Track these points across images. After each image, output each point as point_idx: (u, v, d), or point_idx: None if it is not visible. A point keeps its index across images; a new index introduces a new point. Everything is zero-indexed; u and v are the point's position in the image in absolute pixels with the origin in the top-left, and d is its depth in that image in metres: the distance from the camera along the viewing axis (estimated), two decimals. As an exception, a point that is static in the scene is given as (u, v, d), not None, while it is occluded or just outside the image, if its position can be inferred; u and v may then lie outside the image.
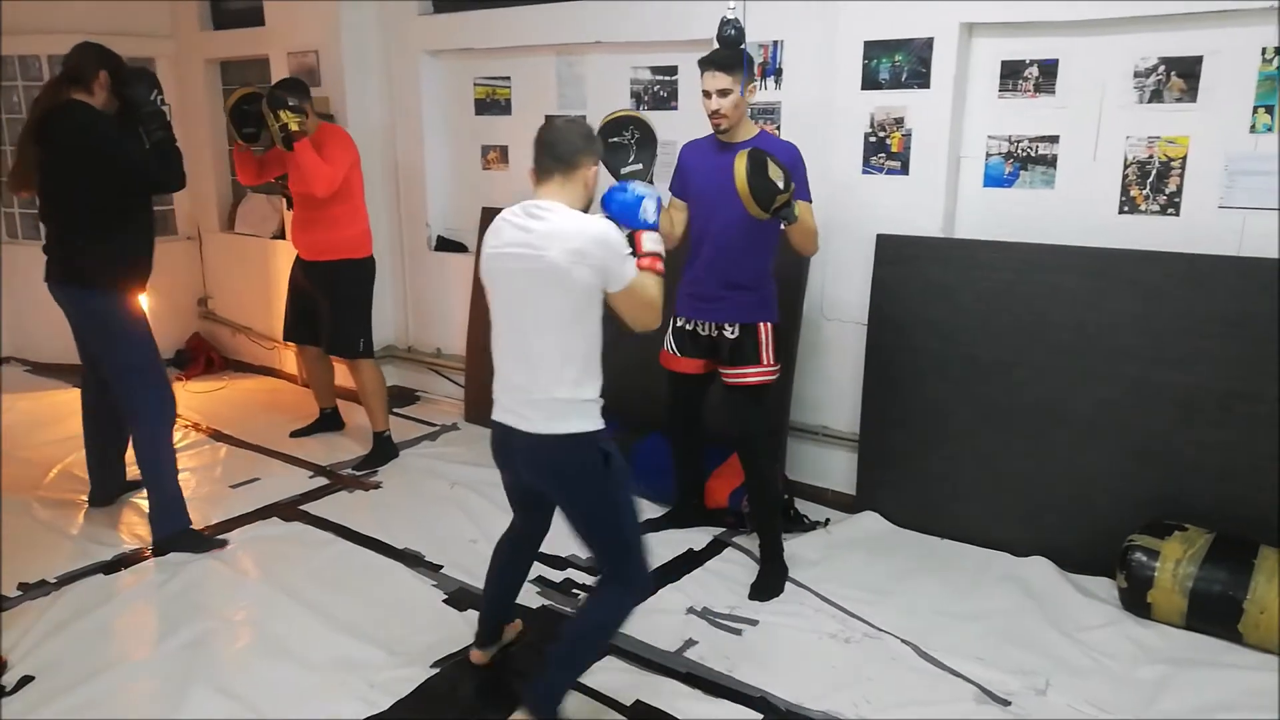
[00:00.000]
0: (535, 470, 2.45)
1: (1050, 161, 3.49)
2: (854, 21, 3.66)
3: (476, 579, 3.18)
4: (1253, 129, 3.10)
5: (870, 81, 3.67)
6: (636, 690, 2.71)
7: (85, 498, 3.98)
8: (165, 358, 5.86)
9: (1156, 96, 3.26)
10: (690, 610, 3.16)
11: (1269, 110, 3.06)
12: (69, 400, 5.01)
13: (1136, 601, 3.02)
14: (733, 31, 3.25)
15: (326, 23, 5.06)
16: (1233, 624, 2.85)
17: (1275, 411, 3.02)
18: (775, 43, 3.88)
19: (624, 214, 2.44)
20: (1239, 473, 3.09)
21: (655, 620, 3.08)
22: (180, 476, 3.76)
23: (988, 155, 3.62)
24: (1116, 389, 3.28)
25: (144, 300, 3.61)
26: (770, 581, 3.29)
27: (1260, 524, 3.02)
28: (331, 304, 4.41)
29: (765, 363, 3.23)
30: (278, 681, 2.77)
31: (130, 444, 3.70)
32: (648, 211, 2.43)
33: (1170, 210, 3.30)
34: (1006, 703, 2.66)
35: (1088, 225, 3.43)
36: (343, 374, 4.72)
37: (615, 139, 3.18)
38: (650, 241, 2.42)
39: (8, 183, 3.45)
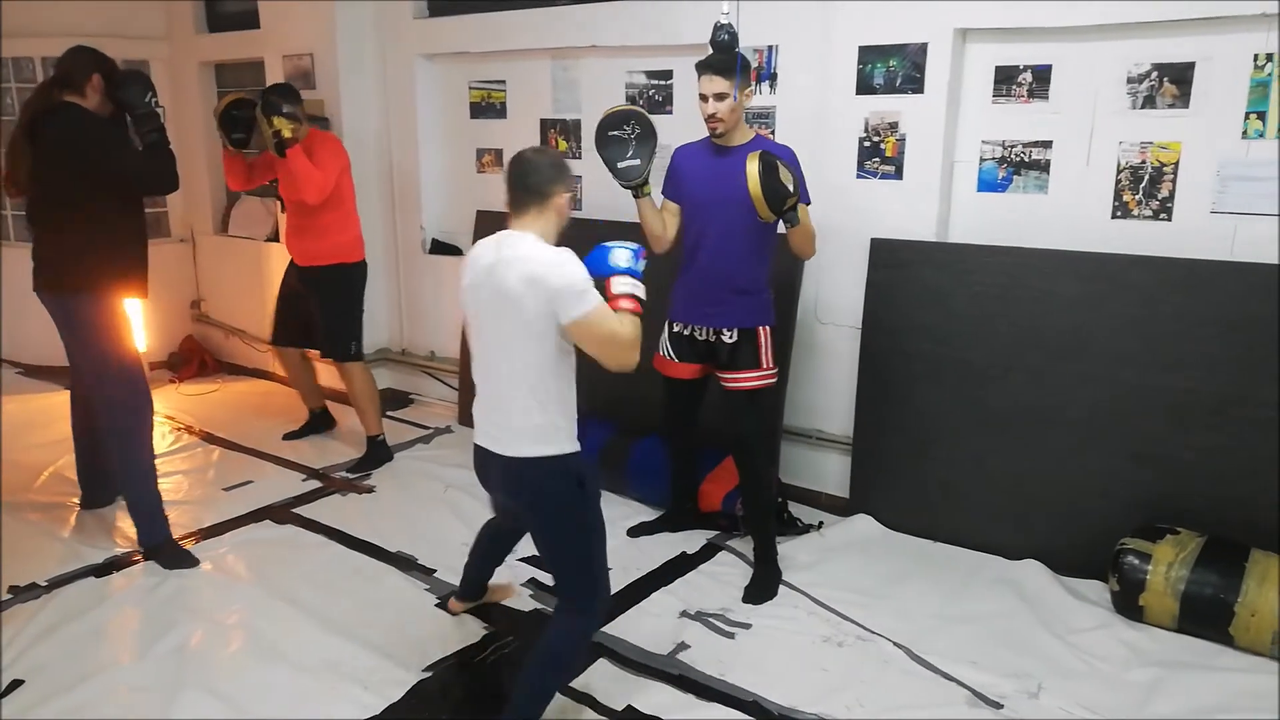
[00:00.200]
0: (510, 493, 2.49)
1: (1044, 167, 3.50)
2: (848, 26, 3.67)
3: (469, 582, 3.20)
4: (1244, 135, 3.12)
5: (864, 86, 3.68)
6: (629, 694, 2.71)
7: (76, 500, 3.97)
8: (158, 360, 5.93)
9: (1149, 102, 3.28)
10: (683, 613, 3.16)
11: (1260, 116, 3.08)
12: (60, 403, 4.99)
13: (1128, 604, 3.03)
14: (726, 36, 3.25)
15: (321, 26, 5.06)
16: (1224, 627, 2.86)
17: (1267, 415, 3.03)
18: (770, 47, 3.89)
19: (593, 266, 2.37)
20: (1231, 476, 3.10)
21: (648, 623, 3.09)
22: (173, 479, 3.74)
23: (981, 160, 3.63)
24: (1109, 393, 3.29)
25: (139, 305, 3.57)
26: (764, 584, 3.29)
27: (1251, 527, 3.03)
28: (323, 308, 4.41)
29: (764, 366, 3.24)
30: (270, 684, 2.77)
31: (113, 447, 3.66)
32: (617, 259, 2.37)
33: (1163, 215, 3.31)
34: (999, 706, 2.66)
35: (1081, 230, 3.44)
36: (334, 376, 4.71)
37: (615, 132, 3.17)
38: (618, 284, 2.36)
39: (5, 184, 3.41)
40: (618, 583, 3.34)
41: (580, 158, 4.63)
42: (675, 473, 3.74)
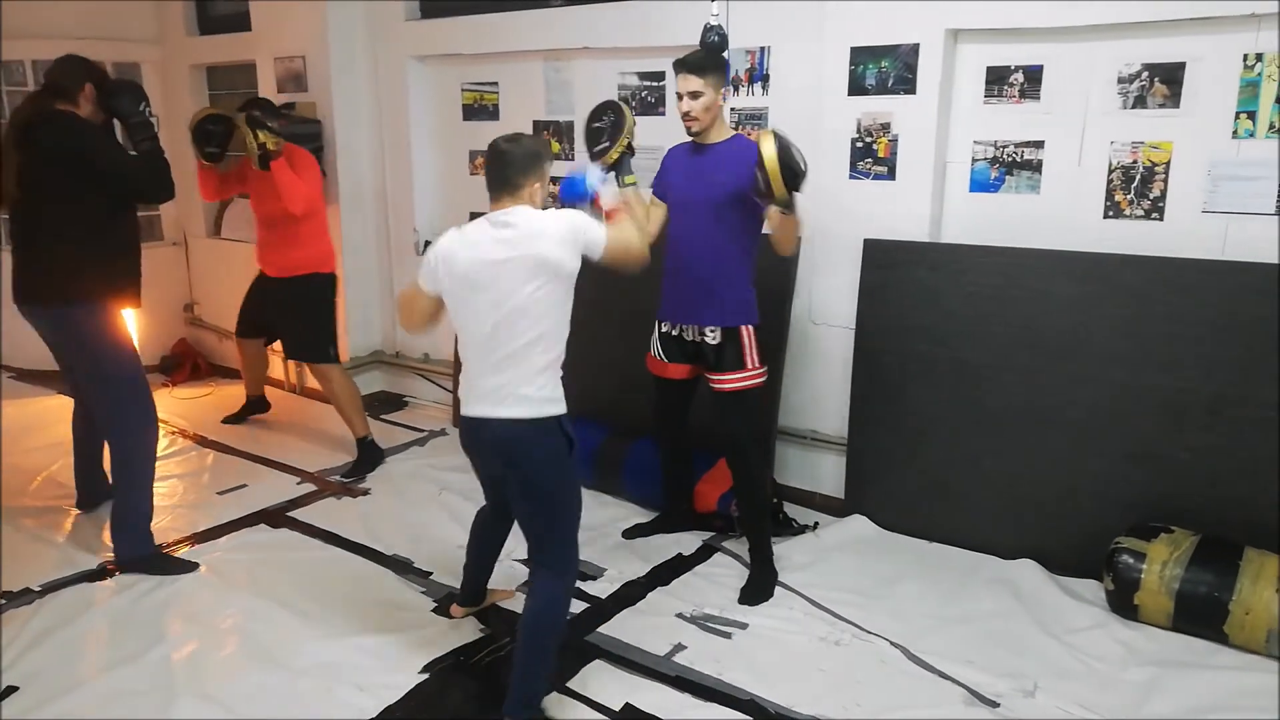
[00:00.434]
0: (505, 457, 2.53)
1: (1035, 167, 3.52)
2: (840, 27, 3.67)
3: (465, 585, 3.19)
4: (1235, 134, 3.13)
5: (857, 87, 3.69)
6: (626, 694, 2.71)
7: (71, 504, 3.95)
8: (151, 364, 5.91)
9: (1140, 102, 3.29)
10: (680, 614, 3.15)
11: (1251, 116, 3.09)
12: (54, 407, 5.01)
13: (1123, 603, 3.04)
14: (716, 38, 3.27)
15: (313, 28, 5.06)
16: (1219, 625, 2.87)
17: (1261, 415, 3.04)
18: (762, 48, 3.90)
19: (575, 198, 2.66)
20: (1225, 476, 3.11)
21: (645, 624, 3.09)
22: (167, 483, 3.73)
23: (973, 161, 3.64)
24: (1103, 393, 3.30)
25: (130, 312, 3.55)
26: (760, 585, 3.29)
27: (1246, 526, 3.04)
28: (300, 314, 4.48)
29: (750, 366, 3.23)
30: (265, 689, 2.76)
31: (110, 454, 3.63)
32: (591, 177, 2.68)
33: (1154, 215, 3.32)
34: (995, 705, 2.67)
35: (1073, 230, 3.45)
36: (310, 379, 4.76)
37: (597, 124, 3.25)
38: (606, 199, 2.67)
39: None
40: (615, 584, 3.35)
41: (573, 159, 4.63)
42: (668, 474, 3.74)
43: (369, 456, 4.53)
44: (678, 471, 3.73)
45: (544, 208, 2.56)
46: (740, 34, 3.80)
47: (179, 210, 6.19)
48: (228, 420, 5.12)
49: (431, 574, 3.44)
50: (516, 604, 3.21)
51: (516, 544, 3.15)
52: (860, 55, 3.66)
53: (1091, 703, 2.66)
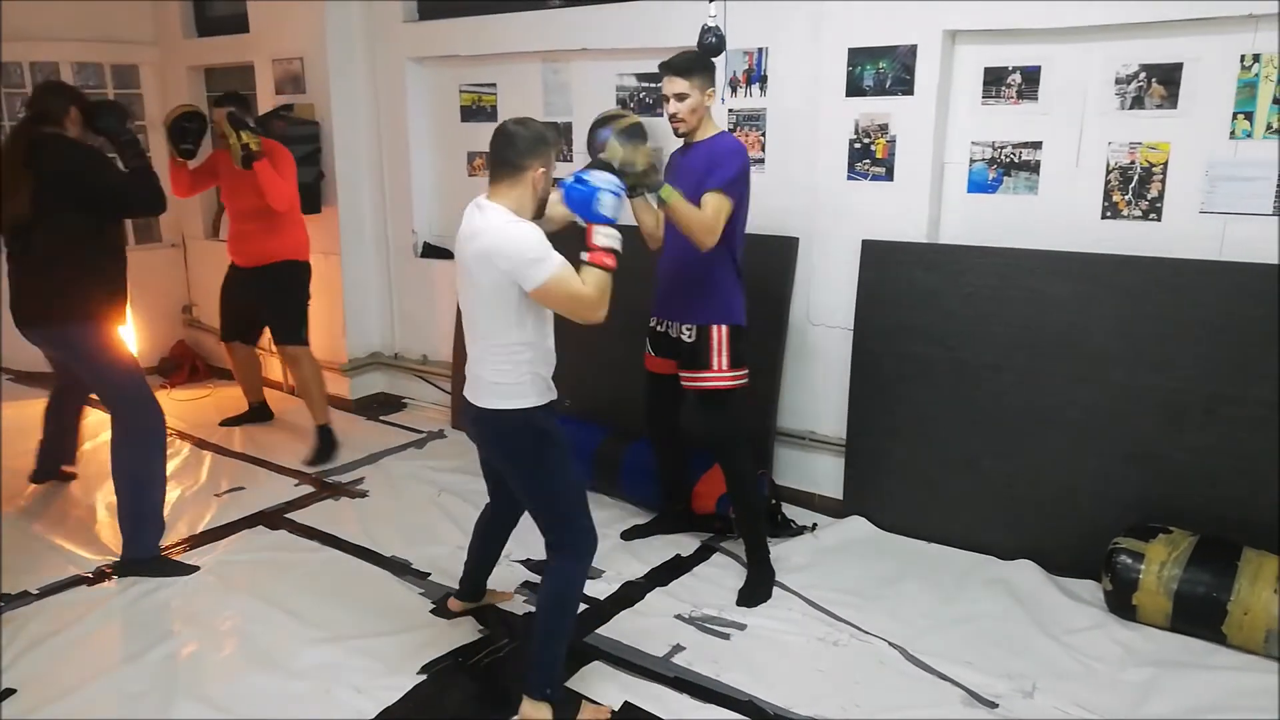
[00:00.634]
0: (481, 441, 2.66)
1: (1033, 167, 3.52)
2: (838, 28, 3.67)
3: (464, 586, 3.19)
4: (1232, 135, 3.13)
5: (854, 88, 3.69)
6: (624, 695, 2.71)
7: (72, 504, 3.96)
8: (150, 366, 5.91)
9: (1138, 103, 3.29)
10: (678, 615, 3.15)
11: (1248, 116, 3.10)
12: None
13: (1122, 604, 3.04)
14: (714, 39, 3.26)
15: (312, 29, 5.05)
16: (1217, 625, 2.87)
17: (1258, 415, 3.04)
18: (760, 49, 3.90)
19: (578, 207, 2.46)
20: (1223, 476, 3.12)
21: (643, 625, 3.09)
22: (165, 485, 3.71)
23: (971, 161, 3.64)
24: (1101, 393, 3.30)
25: (128, 315, 3.62)
26: (757, 586, 3.28)
27: (1243, 526, 3.04)
28: (275, 300, 4.60)
29: (716, 368, 3.22)
30: (264, 690, 2.76)
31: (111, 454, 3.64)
32: (604, 205, 2.42)
33: (1152, 215, 3.33)
34: (994, 705, 2.67)
35: (1071, 231, 3.45)
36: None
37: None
38: (600, 236, 2.43)
39: (5, 217, 3.39)
40: (613, 585, 3.35)
41: (571, 160, 4.63)
42: (663, 473, 3.74)
43: (327, 443, 4.64)
44: (674, 472, 3.73)
45: (547, 196, 2.56)
46: (738, 35, 3.81)
47: (177, 212, 6.18)
48: (226, 423, 5.13)
49: (430, 575, 3.44)
50: (515, 606, 3.22)
51: (514, 546, 3.15)
52: (858, 56, 3.66)
53: (1090, 703, 2.66)
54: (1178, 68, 3.20)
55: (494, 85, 4.94)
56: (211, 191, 6.04)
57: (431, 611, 3.19)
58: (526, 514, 2.76)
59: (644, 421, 3.61)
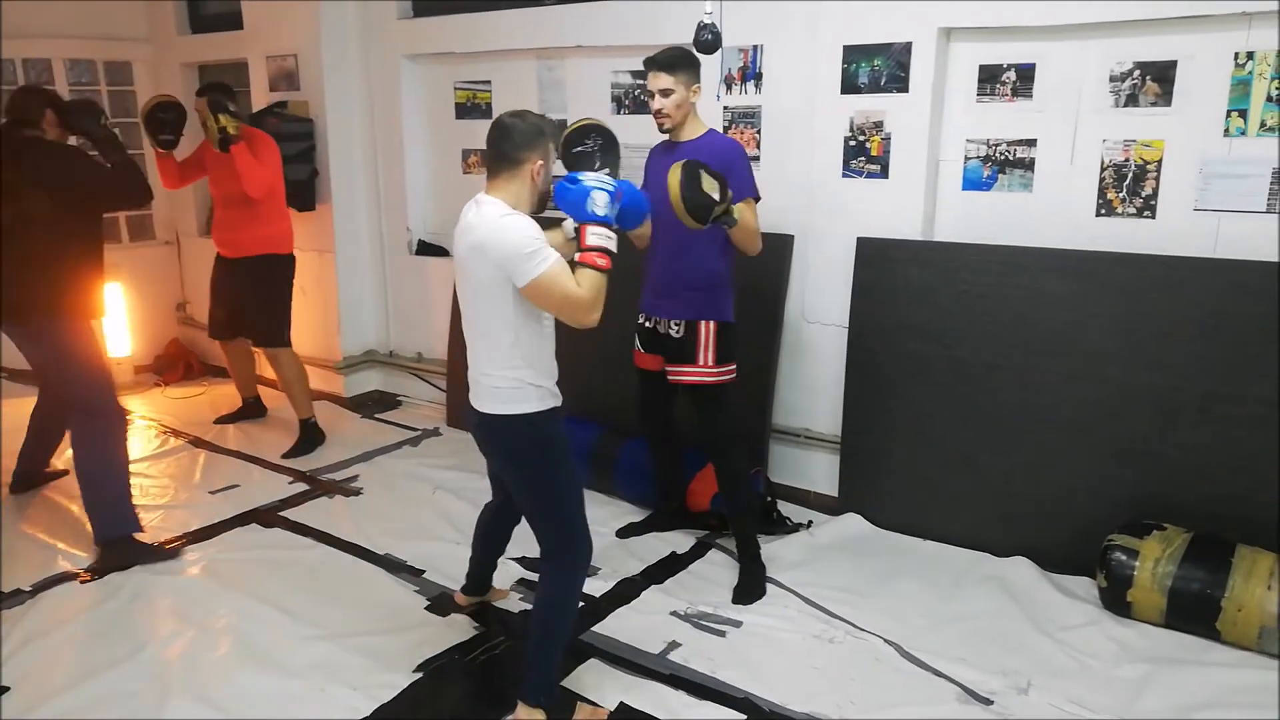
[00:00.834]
0: (484, 446, 2.61)
1: (1028, 165, 3.52)
2: (833, 26, 3.68)
3: (459, 584, 3.19)
4: (1226, 132, 3.14)
5: (850, 86, 3.69)
6: (620, 693, 2.71)
7: (68, 501, 3.95)
8: (144, 363, 5.90)
9: (1132, 100, 3.30)
10: (674, 613, 3.15)
11: (1242, 114, 3.10)
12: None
13: (1116, 600, 3.04)
14: (709, 36, 3.26)
15: (306, 26, 5.04)
16: (1211, 622, 2.88)
17: (1252, 412, 3.05)
18: (755, 47, 3.90)
19: (569, 207, 2.41)
20: (1217, 473, 3.12)
21: (639, 623, 3.09)
22: (159, 483, 3.73)
23: (966, 159, 3.64)
24: (1096, 390, 3.31)
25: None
26: (750, 584, 3.29)
27: (1238, 523, 3.05)
28: (255, 298, 4.60)
29: (702, 363, 3.23)
30: (259, 688, 2.75)
31: (72, 444, 3.70)
32: (596, 204, 2.37)
33: (1146, 213, 3.33)
34: (989, 702, 2.67)
35: (1065, 228, 3.46)
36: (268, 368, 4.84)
37: (579, 148, 3.24)
38: (593, 236, 2.37)
39: None
40: (609, 583, 3.35)
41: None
42: (658, 471, 3.74)
43: (310, 437, 4.68)
44: (669, 469, 3.73)
45: (547, 190, 2.52)
46: (733, 32, 3.80)
47: (171, 210, 6.17)
48: (220, 420, 5.12)
49: (425, 573, 3.44)
50: (511, 604, 3.22)
51: (510, 547, 3.14)
52: (853, 53, 3.66)
53: (1085, 700, 2.67)
54: (1172, 65, 3.20)
55: (489, 82, 4.93)
56: (204, 188, 6.03)
57: (427, 609, 3.19)
58: None
59: (637, 419, 3.61)
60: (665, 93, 3.11)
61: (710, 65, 3.68)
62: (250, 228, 4.49)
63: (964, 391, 3.55)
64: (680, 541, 3.67)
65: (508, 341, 2.42)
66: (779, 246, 3.90)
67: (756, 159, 3.94)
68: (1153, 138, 3.28)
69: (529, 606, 3.18)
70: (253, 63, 5.35)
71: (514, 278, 2.32)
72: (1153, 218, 3.32)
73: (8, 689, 2.74)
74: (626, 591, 3.30)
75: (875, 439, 3.76)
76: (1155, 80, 3.24)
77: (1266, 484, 3.03)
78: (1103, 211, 3.42)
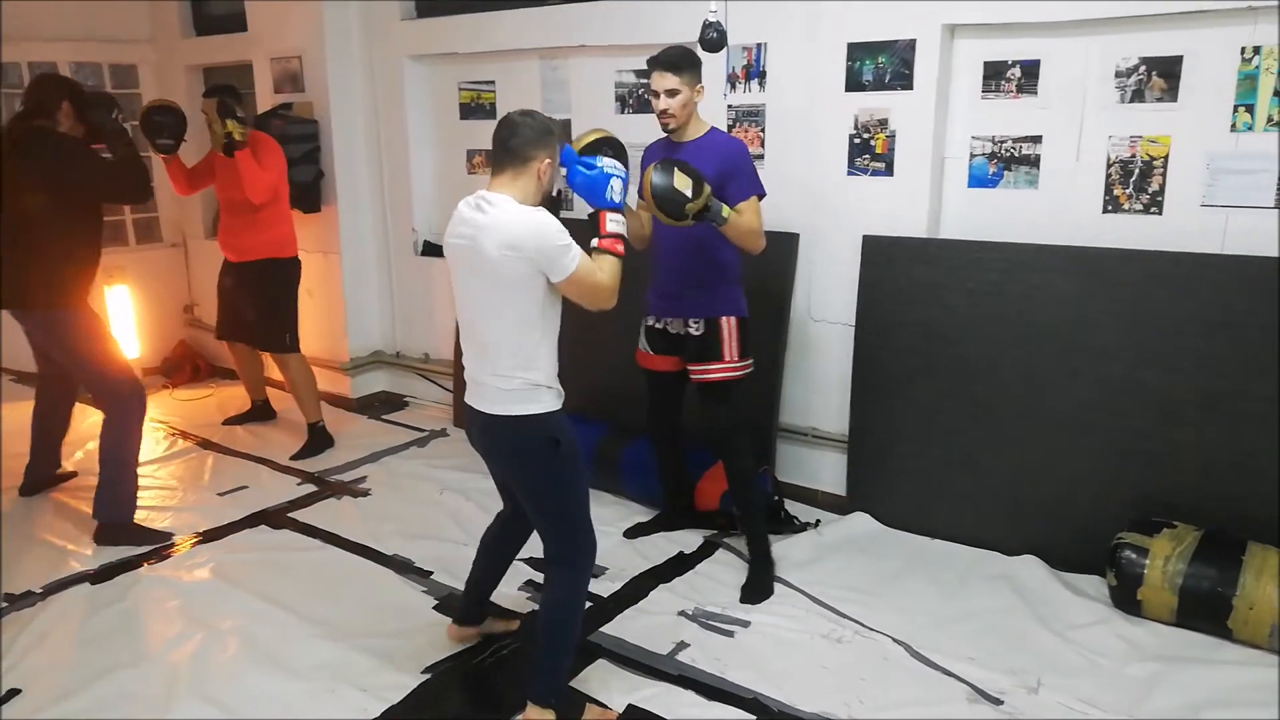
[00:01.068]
0: (489, 450, 2.57)
1: (1034, 162, 3.51)
2: (837, 23, 3.67)
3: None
4: (1233, 128, 3.12)
5: (854, 83, 3.68)
6: (628, 693, 2.71)
7: (77, 503, 3.96)
8: (151, 365, 5.91)
9: (1138, 96, 3.28)
10: (682, 613, 3.15)
11: (1249, 109, 3.09)
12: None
13: (1126, 599, 3.03)
14: (715, 34, 3.25)
15: (310, 27, 5.04)
16: (1222, 620, 2.87)
17: (1260, 409, 3.03)
18: (759, 45, 3.89)
19: (588, 192, 2.46)
20: (1226, 470, 3.11)
21: (647, 623, 3.09)
22: (168, 485, 3.76)
23: (971, 156, 3.63)
24: (1103, 387, 3.29)
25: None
26: (759, 583, 3.29)
27: (1248, 520, 3.04)
28: (259, 302, 4.60)
29: (728, 358, 3.23)
30: (267, 690, 2.76)
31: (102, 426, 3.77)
32: (614, 190, 2.44)
33: (1153, 209, 3.32)
34: (999, 701, 2.67)
35: (1072, 225, 3.44)
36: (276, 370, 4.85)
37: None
38: (612, 222, 2.45)
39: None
40: (617, 583, 3.35)
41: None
42: (664, 471, 3.73)
43: (318, 441, 4.69)
44: (676, 469, 3.73)
45: (553, 188, 2.53)
46: (737, 30, 3.79)
47: (178, 212, 6.18)
48: (229, 421, 5.13)
49: (433, 574, 3.44)
50: (519, 604, 3.22)
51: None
52: (857, 51, 3.65)
53: (1095, 699, 2.66)
54: (1178, 61, 3.19)
55: (493, 83, 4.93)
56: (209, 192, 6.04)
57: (435, 609, 3.19)
58: None
59: (647, 419, 3.60)
60: (670, 92, 3.10)
61: (714, 64, 3.67)
62: (253, 232, 4.49)
63: (971, 389, 3.54)
64: (688, 541, 3.67)
65: (532, 340, 2.41)
66: (784, 245, 3.89)
67: (761, 157, 3.93)
68: (1159, 134, 3.26)
69: (537, 608, 3.18)
70: (257, 64, 5.36)
71: (551, 273, 2.34)
72: (1159, 214, 3.31)
73: (19, 691, 2.75)
74: (634, 591, 3.30)
75: (882, 437, 3.75)
76: (1161, 76, 3.23)
77: (1274, 481, 3.02)
78: (1109, 208, 3.40)
